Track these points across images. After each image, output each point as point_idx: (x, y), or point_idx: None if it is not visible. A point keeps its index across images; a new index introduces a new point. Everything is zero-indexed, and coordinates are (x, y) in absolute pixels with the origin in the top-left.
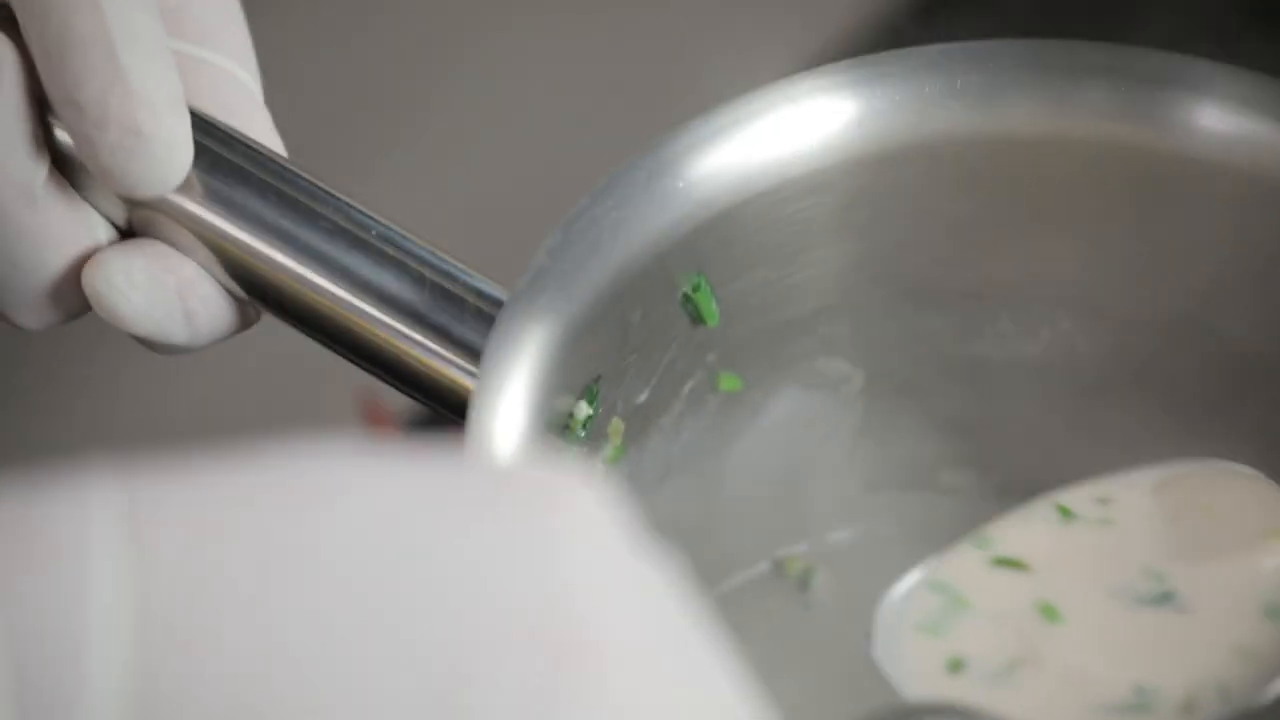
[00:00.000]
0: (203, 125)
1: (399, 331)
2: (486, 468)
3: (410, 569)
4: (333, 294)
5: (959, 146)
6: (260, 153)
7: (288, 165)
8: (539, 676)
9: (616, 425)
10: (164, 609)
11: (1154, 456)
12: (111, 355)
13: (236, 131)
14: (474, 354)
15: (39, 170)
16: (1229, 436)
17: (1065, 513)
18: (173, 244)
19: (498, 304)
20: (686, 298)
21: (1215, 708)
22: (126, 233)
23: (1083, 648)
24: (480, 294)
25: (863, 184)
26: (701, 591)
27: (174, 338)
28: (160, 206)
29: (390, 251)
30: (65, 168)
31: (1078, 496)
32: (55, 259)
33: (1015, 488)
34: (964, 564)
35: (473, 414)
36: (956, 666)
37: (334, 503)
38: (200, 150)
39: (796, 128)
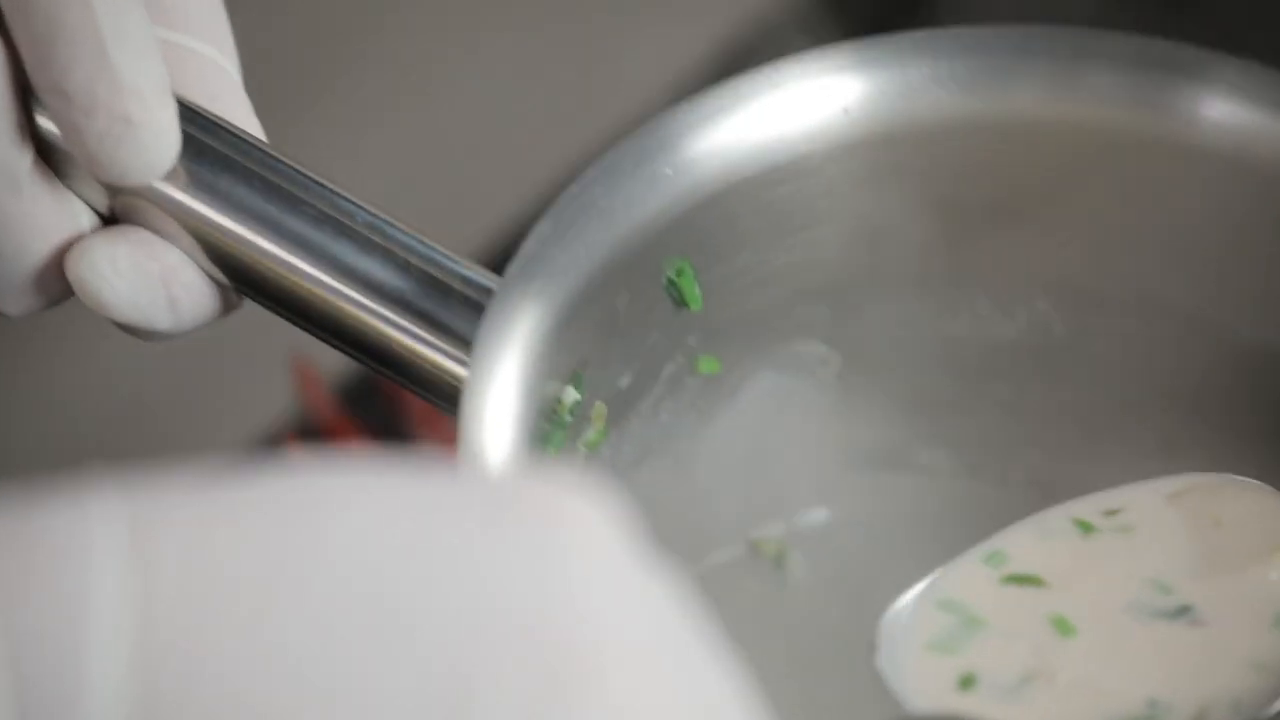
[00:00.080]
0: (187, 113)
1: (385, 318)
2: (489, 480)
3: (411, 575)
4: (318, 281)
5: (943, 132)
6: (245, 140)
7: (272, 152)
8: (540, 679)
9: (599, 409)
10: (165, 617)
11: (1130, 437)
12: (44, 319)
13: (220, 119)
14: (462, 341)
15: (23, 158)
16: (1211, 418)
17: (1084, 526)
18: (156, 231)
19: (485, 291)
20: (671, 282)
21: None
22: (109, 219)
23: (1095, 661)
24: (467, 281)
25: (847, 169)
26: (679, 571)
27: (157, 324)
28: (144, 194)
29: (376, 239)
30: (48, 155)
31: (1085, 509)
32: (39, 246)
33: (989, 467)
34: (976, 582)
35: (464, 402)
36: (968, 683)
37: (336, 513)
38: (185, 138)
39: (782, 113)
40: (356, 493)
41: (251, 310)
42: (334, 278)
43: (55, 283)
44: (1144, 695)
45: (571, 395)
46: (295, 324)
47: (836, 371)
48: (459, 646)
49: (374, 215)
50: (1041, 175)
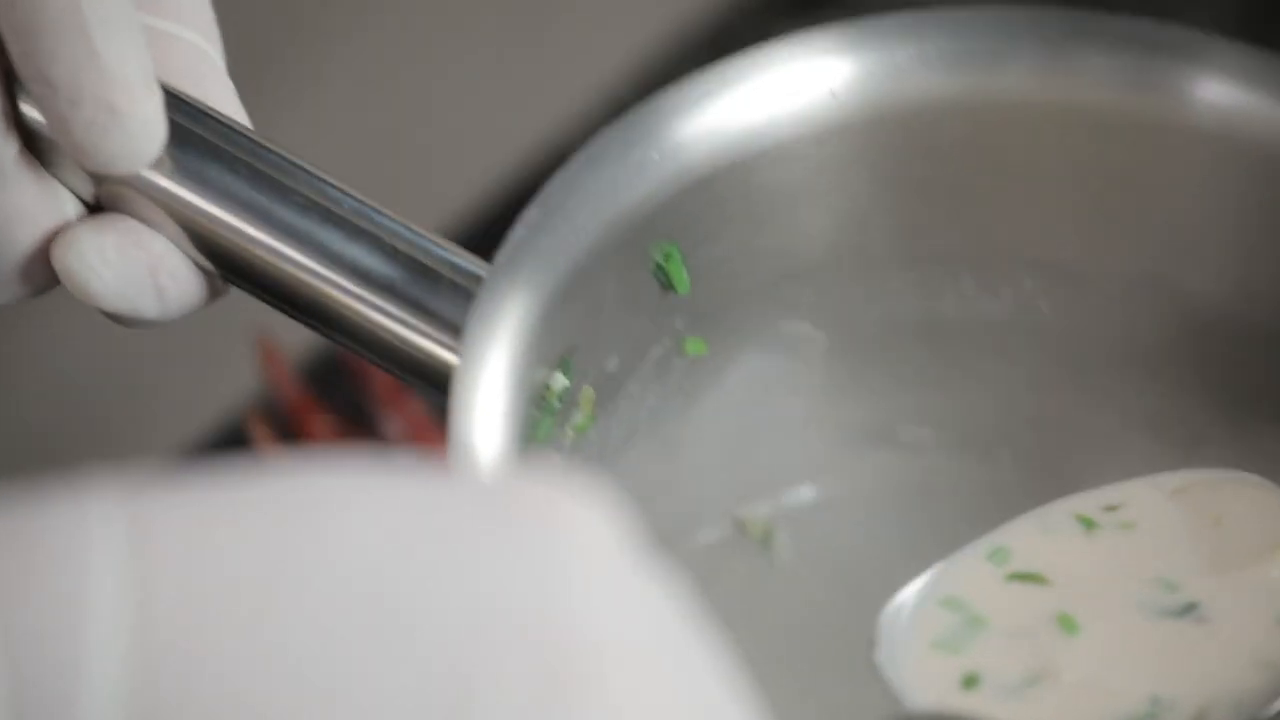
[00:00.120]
0: (173, 101)
1: (374, 305)
2: (486, 480)
3: (411, 575)
4: (305, 268)
5: (931, 114)
6: (230, 127)
7: (258, 140)
8: (540, 680)
9: (588, 394)
10: (164, 618)
11: (1117, 414)
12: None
13: (206, 106)
14: (451, 328)
15: (8, 147)
16: (1193, 394)
17: (1087, 523)
18: (143, 219)
19: (473, 277)
20: (659, 266)
21: (1227, 718)
22: (94, 207)
23: (1099, 660)
24: (455, 267)
25: (834, 152)
26: (665, 552)
27: (144, 312)
28: (131, 182)
29: (363, 225)
30: (33, 144)
31: (1085, 504)
32: (25, 235)
33: (975, 444)
34: (979, 580)
35: (454, 391)
36: (971, 683)
37: (335, 513)
38: (171, 126)
39: (769, 97)
40: (355, 493)
41: None
42: (321, 264)
43: (41, 272)
44: (1147, 693)
45: (560, 381)
46: (282, 311)
47: (822, 351)
48: (459, 647)
49: (361, 202)
50: (1029, 156)
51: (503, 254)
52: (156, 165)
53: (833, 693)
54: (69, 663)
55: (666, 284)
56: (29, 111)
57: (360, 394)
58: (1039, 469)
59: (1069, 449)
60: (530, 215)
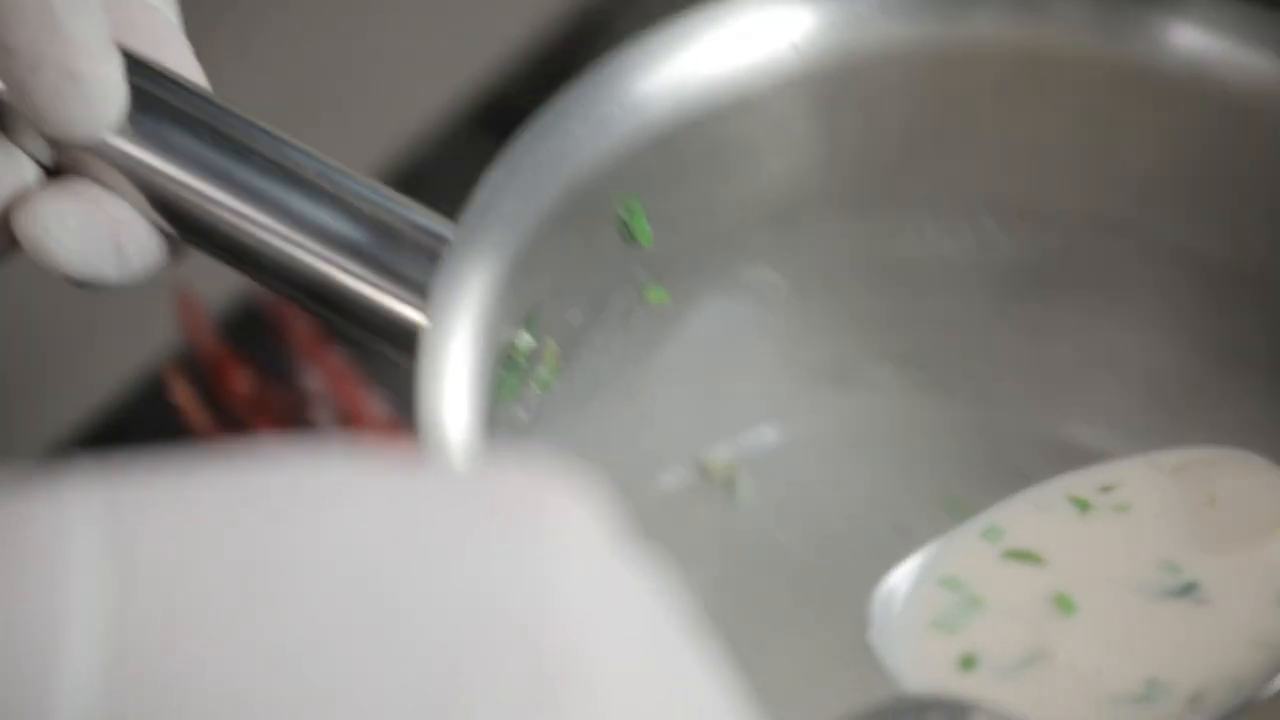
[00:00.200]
0: (132, 64)
1: (339, 267)
2: (471, 472)
3: (396, 575)
4: (269, 231)
5: (891, 63)
6: (190, 90)
7: (218, 102)
8: (529, 682)
9: (552, 348)
10: (144, 615)
11: (1077, 350)
12: None
13: (165, 68)
14: (417, 289)
15: None
16: (1156, 332)
17: (1082, 505)
18: (103, 183)
19: (437, 238)
20: (621, 220)
21: (1223, 699)
22: (54, 172)
23: (1095, 641)
24: (419, 228)
25: (796, 102)
26: (629, 498)
27: (106, 277)
28: (91, 147)
29: (326, 187)
30: None
31: (1079, 484)
32: None
33: (936, 382)
34: (975, 559)
35: (423, 353)
36: (969, 663)
37: (319, 510)
38: (131, 90)
39: (730, 50)
40: (339, 489)
41: None
42: (284, 227)
43: (1, 238)
44: (1143, 675)
45: (526, 340)
46: (246, 273)
47: (783, 295)
48: (449, 647)
49: (323, 163)
50: (992, 102)
51: (467, 215)
52: (117, 129)
53: (798, 633)
54: (46, 661)
55: (629, 236)
56: None
57: (279, 346)
58: (1000, 407)
59: (1031, 387)
60: (494, 177)
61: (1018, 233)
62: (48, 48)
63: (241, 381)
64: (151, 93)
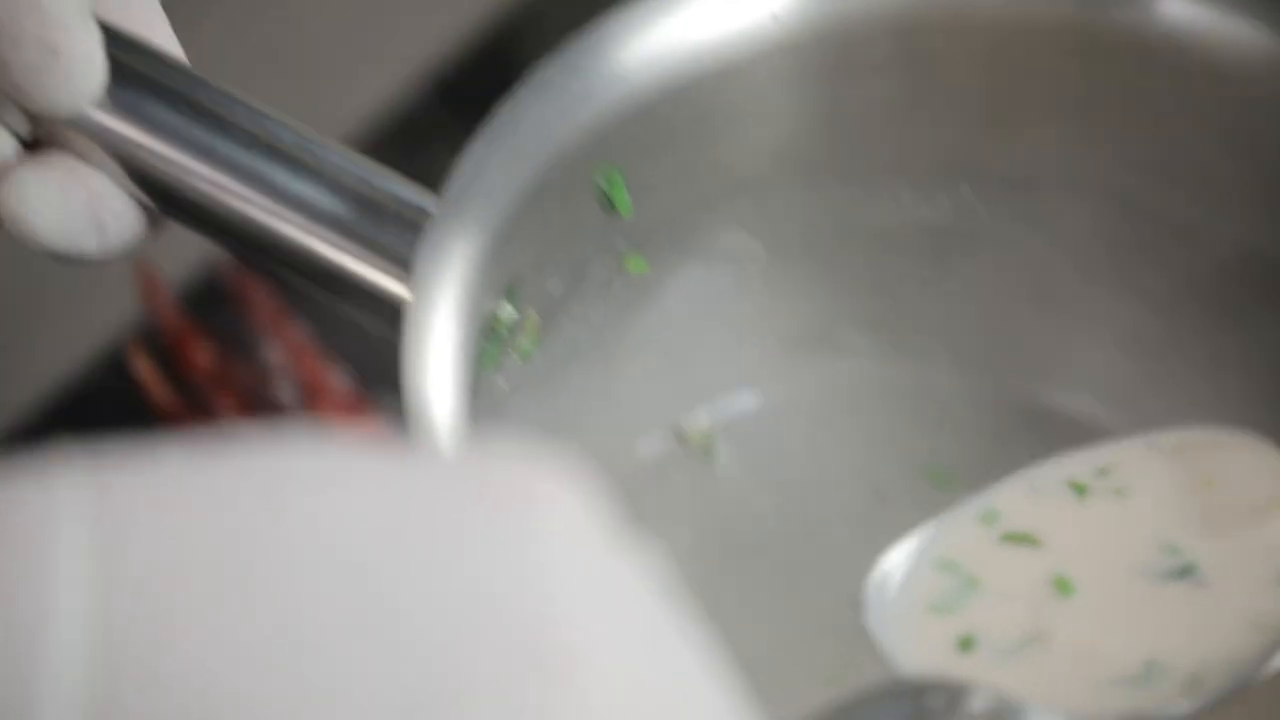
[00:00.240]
0: (111, 37)
1: (321, 239)
2: (460, 459)
3: (386, 566)
4: (250, 204)
5: (871, 32)
6: (168, 63)
7: (196, 75)
8: (518, 678)
9: (533, 319)
10: (131, 605)
11: (1053, 314)
12: None
13: (144, 42)
14: (400, 262)
15: None
16: (1136, 299)
17: (1079, 489)
18: (82, 157)
19: (419, 210)
20: (601, 191)
21: (1221, 681)
22: (32, 146)
23: (1094, 623)
24: (400, 201)
25: (776, 72)
26: (607, 465)
27: (85, 250)
28: (70, 121)
29: (307, 160)
30: None
31: (1076, 467)
32: None
33: (913, 346)
34: (972, 542)
35: (407, 327)
36: (968, 645)
37: (308, 502)
38: (110, 63)
39: (711, 21)
40: (331, 479)
41: None
42: (265, 199)
43: None
44: (1142, 657)
45: (508, 311)
46: (227, 246)
47: (761, 262)
48: (438, 641)
49: (303, 136)
50: (970, 70)
51: (449, 188)
52: (96, 103)
53: (777, 599)
54: (32, 653)
55: (609, 207)
56: None
57: (241, 320)
58: (978, 373)
59: (1009, 353)
60: (475, 149)
61: (995, 200)
62: (26, 22)
63: (203, 355)
64: (130, 66)
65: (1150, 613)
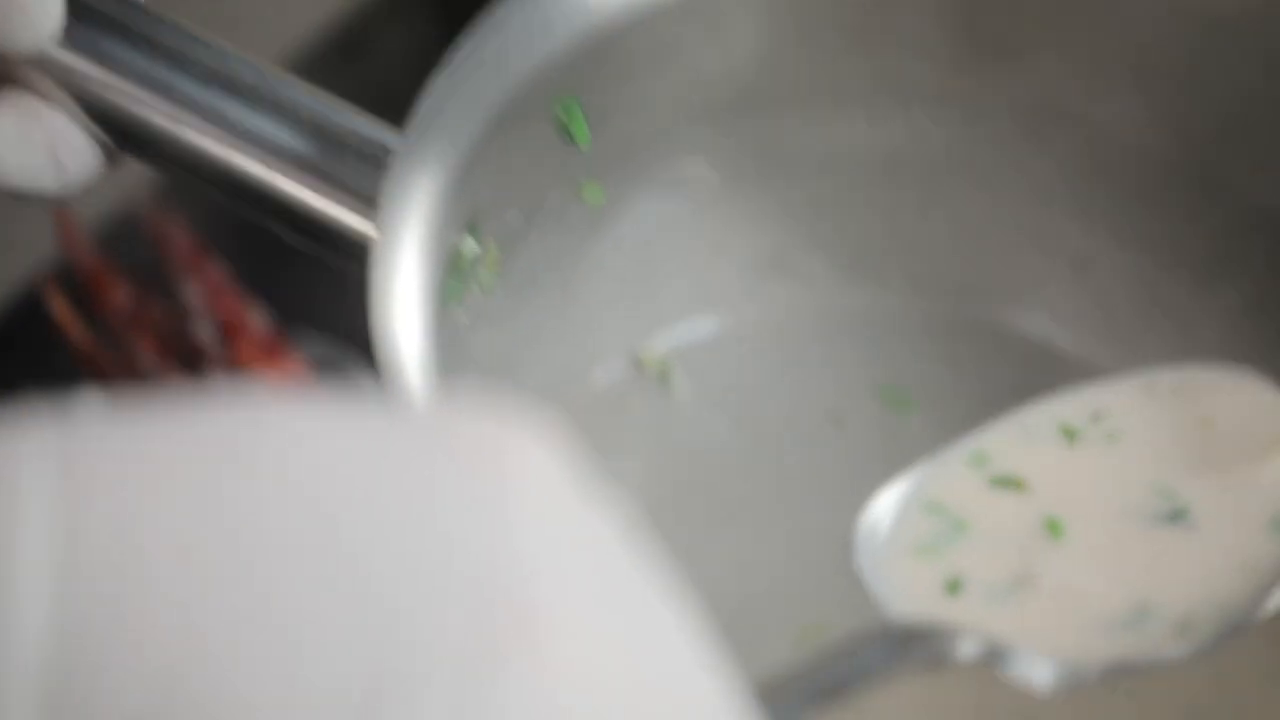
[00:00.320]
0: None
1: (283, 176)
2: (433, 419)
3: (354, 527)
4: (211, 139)
5: None
6: (126, 2)
7: (154, 12)
8: (477, 639)
9: (492, 252)
10: (95, 561)
11: (1006, 236)
12: None
13: None
14: (363, 198)
15: None
16: (1088, 218)
17: (1070, 434)
18: (40, 95)
19: (381, 147)
20: (560, 122)
21: (1211, 627)
22: None
23: (1085, 565)
24: (362, 137)
25: (731, 3)
26: (565, 394)
27: (44, 188)
28: (28, 59)
29: (267, 95)
30: None
31: (1070, 411)
32: None
33: (867, 270)
34: (961, 485)
35: (373, 264)
36: (955, 587)
37: (277, 456)
38: (67, 1)
39: None
40: (299, 434)
41: None
42: (224, 135)
43: None
44: (1131, 600)
45: (470, 245)
46: (192, 181)
47: (716, 189)
48: (402, 599)
49: (262, 72)
50: None
51: (412, 123)
52: (54, 40)
53: (734, 526)
54: None
55: (568, 137)
56: None
57: (159, 259)
58: (934, 296)
59: (964, 275)
60: (437, 85)
61: (950, 123)
62: None
63: (119, 295)
64: (88, 3)
65: (1141, 556)
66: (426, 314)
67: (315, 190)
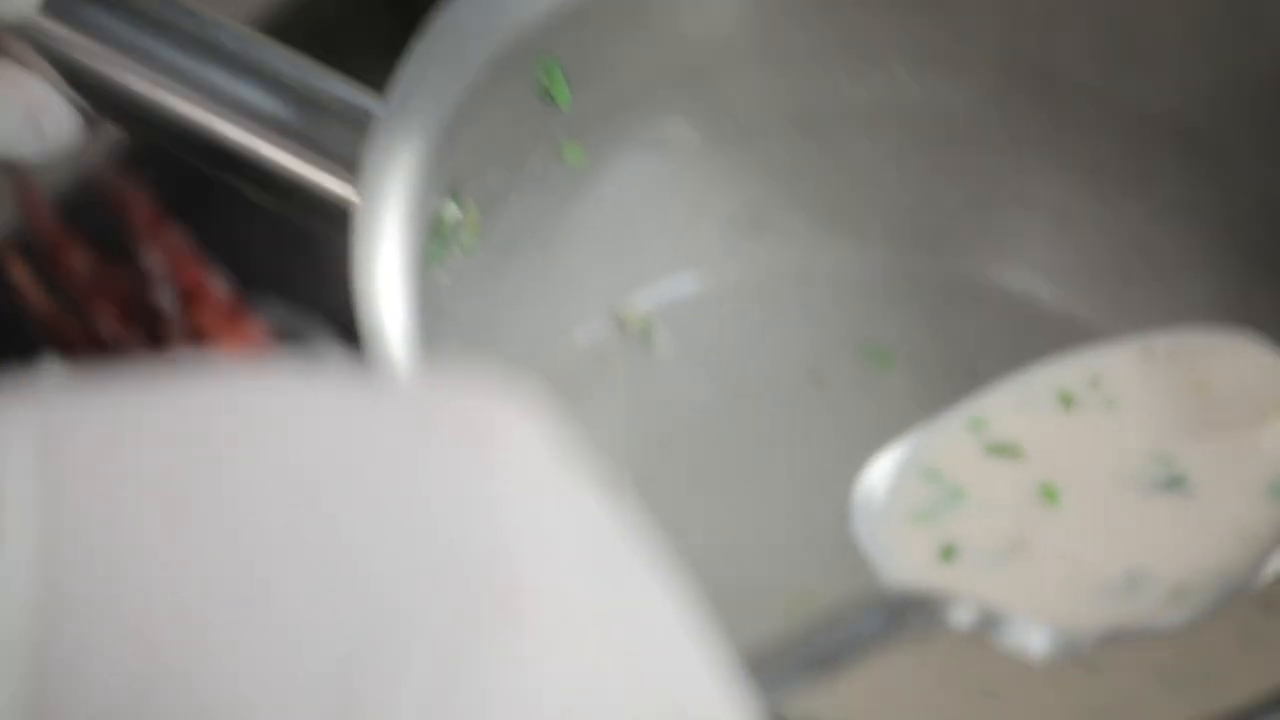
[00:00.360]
0: None
1: (265, 139)
2: (419, 393)
3: (339, 502)
4: (193, 105)
5: None
6: None
7: None
8: (461, 616)
9: (473, 214)
10: (76, 531)
11: (984, 189)
12: None
13: None
14: (345, 164)
15: None
16: (1066, 173)
17: (1065, 399)
18: (19, 62)
19: (362, 111)
20: (541, 84)
21: (1207, 594)
22: None
23: (1080, 531)
24: (343, 101)
25: None
26: (546, 354)
27: (24, 155)
28: (8, 26)
29: (248, 62)
30: None
31: (1069, 376)
32: None
33: (847, 225)
34: (958, 450)
35: (355, 229)
36: (950, 554)
37: (262, 427)
38: None
39: None
40: (285, 406)
41: None
42: (205, 101)
43: None
44: (1125, 566)
45: (452, 210)
46: (172, 149)
47: (697, 147)
48: (386, 574)
49: (243, 38)
50: None
51: (394, 89)
52: (35, 8)
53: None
54: None
55: (548, 99)
56: None
57: (119, 226)
58: (915, 252)
59: (945, 231)
60: (419, 51)
61: (930, 80)
62: None
63: (80, 261)
64: None
65: (1136, 522)
66: (408, 277)
67: (297, 156)
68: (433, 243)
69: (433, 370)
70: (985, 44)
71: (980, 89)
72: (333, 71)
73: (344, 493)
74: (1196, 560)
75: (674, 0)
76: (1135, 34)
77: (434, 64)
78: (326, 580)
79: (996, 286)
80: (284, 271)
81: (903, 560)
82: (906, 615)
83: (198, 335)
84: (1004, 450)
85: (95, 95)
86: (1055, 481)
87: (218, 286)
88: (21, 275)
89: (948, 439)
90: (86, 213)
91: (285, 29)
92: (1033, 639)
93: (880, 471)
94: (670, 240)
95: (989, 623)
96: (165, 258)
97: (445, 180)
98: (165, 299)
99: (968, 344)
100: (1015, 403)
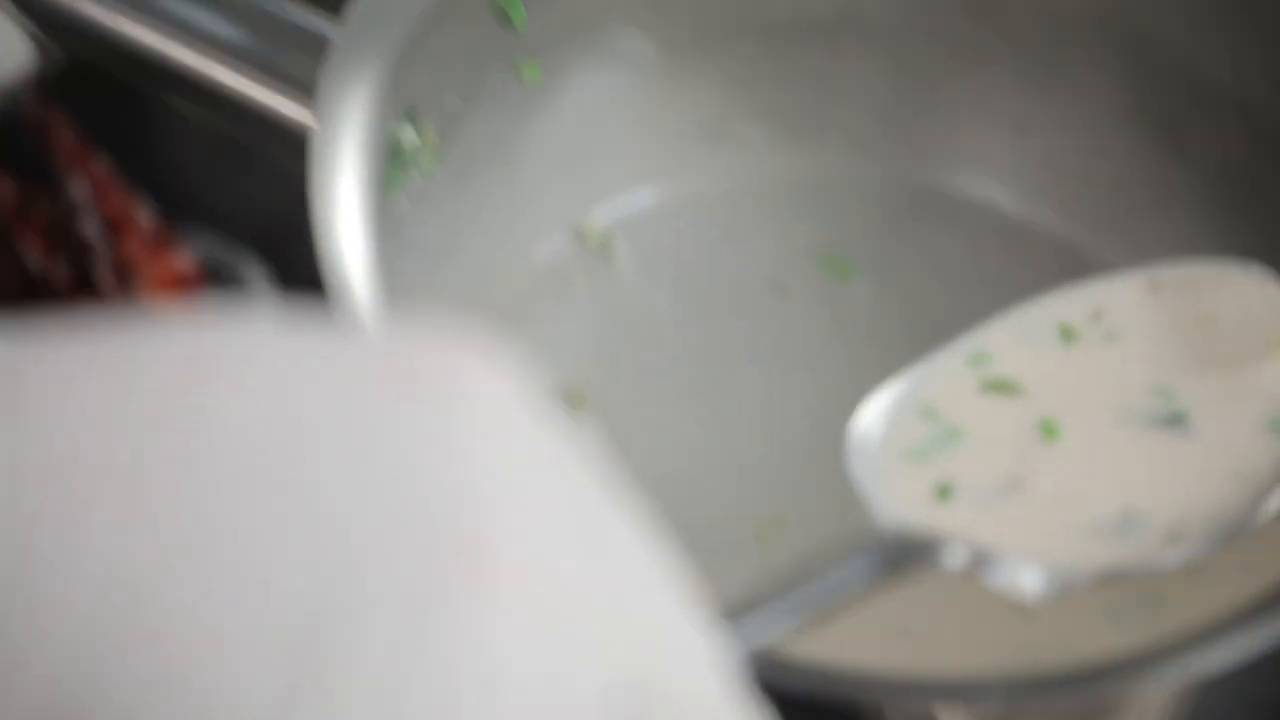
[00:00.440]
0: None
1: (221, 64)
2: (388, 344)
3: (305, 456)
4: (146, 30)
5: None
6: None
7: None
8: (428, 571)
9: (431, 137)
10: (36, 482)
11: (939, 93)
12: None
13: None
14: (302, 88)
15: None
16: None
17: (1066, 333)
18: None
19: (317, 36)
20: (497, 4)
21: (1203, 533)
22: None
23: (1076, 469)
24: (298, 26)
25: None
26: (508, 273)
27: None
28: None
29: None
30: None
31: (1070, 309)
32: None
33: (806, 134)
34: (956, 387)
35: (313, 153)
36: (945, 492)
37: (228, 375)
38: None
39: None
40: (253, 355)
41: None
42: (159, 25)
43: None
44: (1122, 504)
45: (410, 134)
46: (127, 76)
47: (655, 61)
48: (352, 528)
49: None
50: None
51: (349, 13)
52: None
53: (679, 397)
54: None
55: (505, 20)
56: None
57: (44, 155)
58: (874, 160)
59: (904, 139)
60: None
61: None
62: None
63: (4, 190)
64: None
65: (1135, 460)
66: (366, 201)
67: (252, 79)
68: (391, 167)
69: (398, 319)
70: None
71: (937, 5)
72: None
73: (310, 446)
74: (1195, 498)
75: None
76: None
77: None
78: (292, 529)
79: (958, 195)
80: (210, 202)
81: (897, 498)
82: (899, 557)
83: (124, 266)
84: (1002, 387)
85: (46, 21)
86: (1055, 417)
87: (143, 215)
88: None
89: (945, 376)
90: (8, 140)
91: None
92: (1027, 578)
93: (876, 409)
94: (629, 153)
95: (981, 563)
96: (90, 186)
97: (402, 102)
98: (90, 229)
99: (928, 253)
100: (1015, 337)
